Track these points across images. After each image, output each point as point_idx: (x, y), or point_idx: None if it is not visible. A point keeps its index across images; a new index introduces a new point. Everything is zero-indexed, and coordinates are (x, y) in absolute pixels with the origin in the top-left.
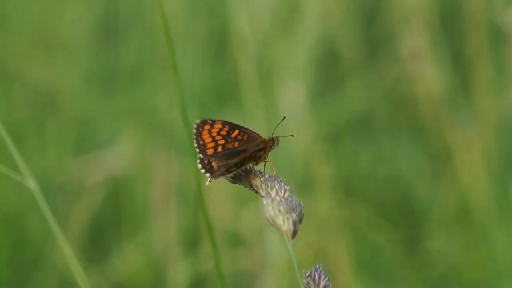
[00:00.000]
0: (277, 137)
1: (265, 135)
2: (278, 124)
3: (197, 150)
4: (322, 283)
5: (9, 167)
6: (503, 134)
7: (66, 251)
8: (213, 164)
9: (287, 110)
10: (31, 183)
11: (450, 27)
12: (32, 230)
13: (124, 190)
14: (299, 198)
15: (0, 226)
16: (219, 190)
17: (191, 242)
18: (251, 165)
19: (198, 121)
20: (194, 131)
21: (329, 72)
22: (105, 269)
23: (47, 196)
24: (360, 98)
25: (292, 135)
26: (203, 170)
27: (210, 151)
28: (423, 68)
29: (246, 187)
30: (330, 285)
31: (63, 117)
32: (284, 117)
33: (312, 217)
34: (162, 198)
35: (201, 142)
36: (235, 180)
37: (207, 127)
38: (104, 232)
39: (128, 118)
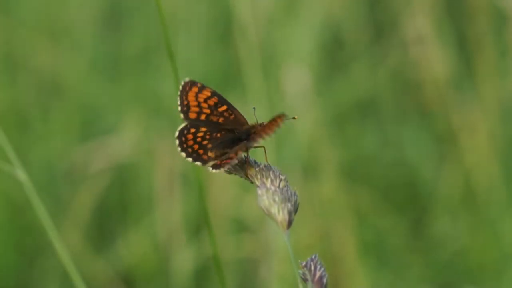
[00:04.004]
0: (263, 123)
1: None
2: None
3: (179, 109)
4: (318, 274)
5: (4, 157)
6: (508, 117)
7: (58, 247)
8: (210, 153)
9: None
10: (22, 175)
11: (454, 11)
12: (37, 217)
13: (129, 176)
14: (295, 188)
15: (6, 213)
16: (222, 176)
17: (196, 228)
18: (244, 154)
19: (186, 79)
20: (180, 88)
21: (333, 56)
22: (110, 255)
23: (52, 182)
24: (365, 82)
25: (294, 118)
26: (189, 159)
27: (192, 115)
28: (428, 52)
29: (241, 177)
30: (326, 275)
31: (68, 103)
32: (255, 108)
33: (317, 201)
34: (167, 185)
35: (185, 102)
36: (231, 170)
37: (195, 89)
38: (109, 218)
39: (133, 105)
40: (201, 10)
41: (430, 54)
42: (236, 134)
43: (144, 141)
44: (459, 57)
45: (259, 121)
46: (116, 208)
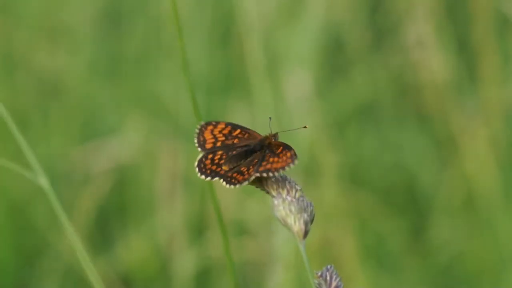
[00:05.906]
0: (277, 133)
1: (272, 122)
2: (270, 123)
3: (196, 145)
4: (334, 284)
5: (15, 157)
6: (509, 122)
7: (76, 245)
8: (224, 167)
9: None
10: (43, 181)
11: (455, 14)
12: (38, 217)
13: (130, 178)
14: (310, 199)
15: (6, 213)
16: None
17: (197, 231)
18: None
19: (202, 122)
20: (197, 131)
21: (334, 59)
22: (110, 257)
23: (52, 184)
24: (365, 86)
25: (305, 127)
26: (208, 178)
27: (208, 146)
28: (429, 56)
29: (257, 187)
30: (342, 285)
31: (68, 104)
32: (270, 118)
33: (317, 206)
34: (168, 187)
35: (201, 139)
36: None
37: (210, 127)
38: (110, 220)
39: (133, 106)
40: (203, 13)
41: (431, 58)
42: (250, 147)
43: (145, 142)
44: (460, 62)
45: (273, 131)
46: (117, 210)
